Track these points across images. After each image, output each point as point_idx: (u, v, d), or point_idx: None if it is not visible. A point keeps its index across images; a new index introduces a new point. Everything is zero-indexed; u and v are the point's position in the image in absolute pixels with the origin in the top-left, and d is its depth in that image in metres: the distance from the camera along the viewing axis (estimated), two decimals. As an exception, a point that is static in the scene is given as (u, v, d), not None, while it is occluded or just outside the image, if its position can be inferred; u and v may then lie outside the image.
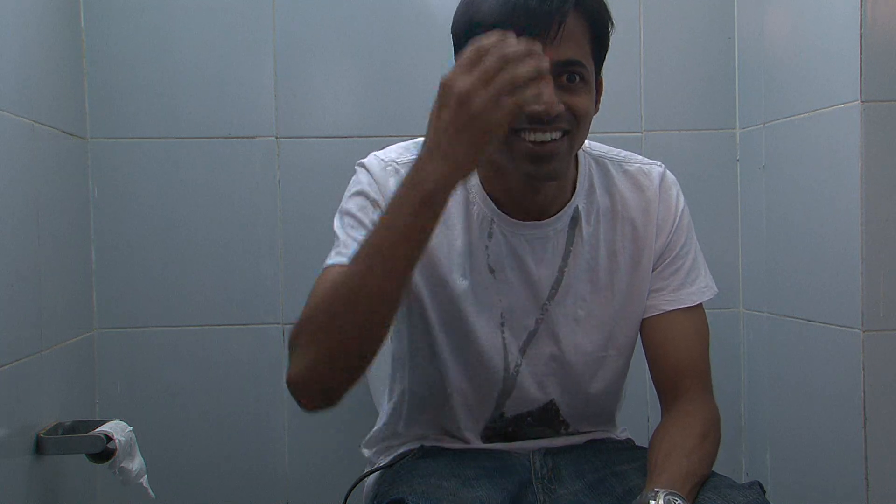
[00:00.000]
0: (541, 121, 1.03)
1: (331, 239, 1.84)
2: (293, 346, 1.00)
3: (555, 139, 1.06)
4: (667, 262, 1.20)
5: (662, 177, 1.22)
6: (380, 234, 0.94)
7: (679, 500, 0.96)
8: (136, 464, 1.49)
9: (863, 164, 1.40)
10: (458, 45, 1.07)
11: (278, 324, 1.81)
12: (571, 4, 1.03)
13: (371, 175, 1.15)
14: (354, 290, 0.95)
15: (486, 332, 1.17)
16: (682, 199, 1.23)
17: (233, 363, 1.81)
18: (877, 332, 1.41)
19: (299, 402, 1.01)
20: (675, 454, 1.05)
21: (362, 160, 1.18)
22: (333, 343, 0.97)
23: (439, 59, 1.81)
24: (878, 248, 1.41)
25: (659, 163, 1.24)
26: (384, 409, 1.31)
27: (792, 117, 1.63)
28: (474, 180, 1.16)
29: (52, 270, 1.51)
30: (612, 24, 1.10)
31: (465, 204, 1.16)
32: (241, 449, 1.81)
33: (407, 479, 1.11)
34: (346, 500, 1.22)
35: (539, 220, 1.16)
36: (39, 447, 1.39)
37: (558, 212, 1.17)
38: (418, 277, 1.14)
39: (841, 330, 1.47)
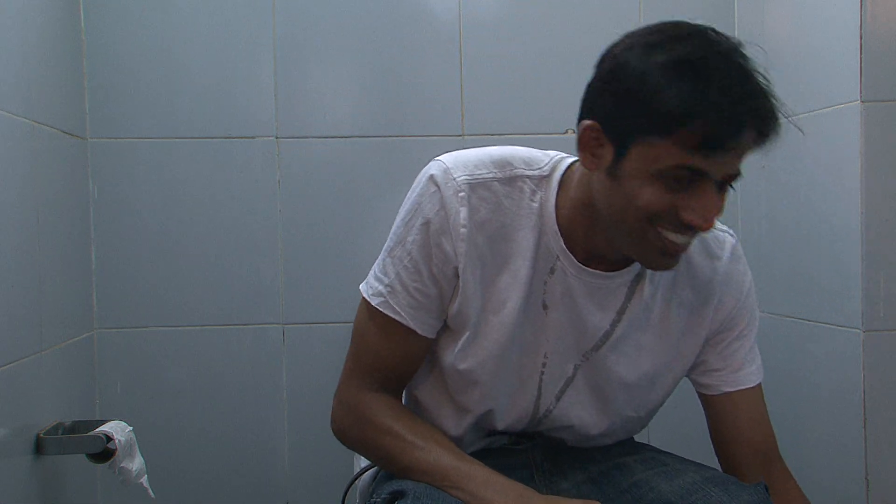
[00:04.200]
0: (691, 228, 1.00)
1: (331, 239, 1.85)
2: (336, 419, 1.17)
3: (691, 241, 1.04)
4: (727, 341, 1.18)
5: (733, 249, 1.18)
6: (423, 470, 1.08)
7: None
8: (136, 464, 1.49)
9: (863, 164, 1.40)
10: (653, 118, 0.95)
11: (278, 324, 1.81)
12: (772, 129, 1.00)
13: (442, 199, 1.08)
14: (383, 458, 1.14)
15: (526, 371, 1.14)
16: (749, 275, 1.19)
17: (233, 363, 1.81)
18: (877, 332, 1.41)
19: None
20: None
21: (433, 171, 1.10)
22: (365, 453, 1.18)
23: (439, 58, 1.82)
24: (878, 248, 1.41)
25: (731, 232, 1.20)
26: None
27: (792, 117, 1.63)
28: (549, 212, 1.09)
29: (52, 270, 1.51)
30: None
31: (538, 234, 1.09)
32: (242, 449, 1.81)
33: None
34: (343, 499, 1.22)
35: (604, 271, 1.11)
36: (39, 447, 1.39)
37: (625, 266, 1.12)
38: (476, 294, 1.09)
39: (841, 330, 1.47)
